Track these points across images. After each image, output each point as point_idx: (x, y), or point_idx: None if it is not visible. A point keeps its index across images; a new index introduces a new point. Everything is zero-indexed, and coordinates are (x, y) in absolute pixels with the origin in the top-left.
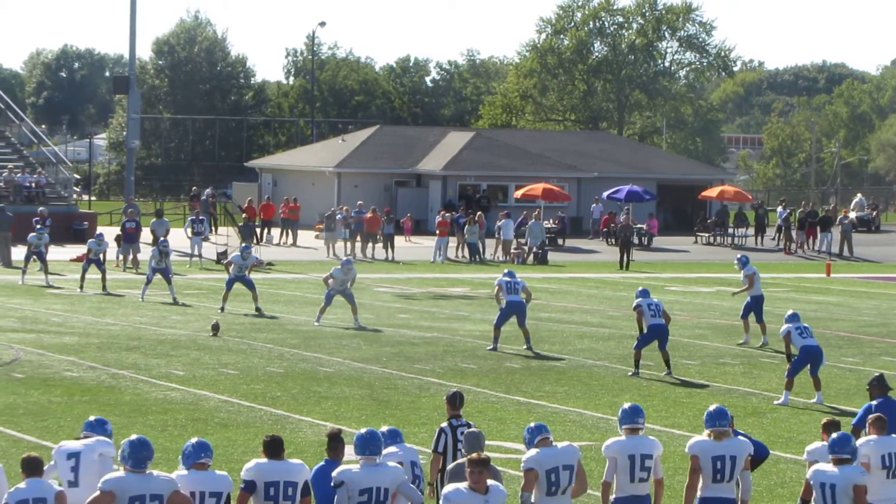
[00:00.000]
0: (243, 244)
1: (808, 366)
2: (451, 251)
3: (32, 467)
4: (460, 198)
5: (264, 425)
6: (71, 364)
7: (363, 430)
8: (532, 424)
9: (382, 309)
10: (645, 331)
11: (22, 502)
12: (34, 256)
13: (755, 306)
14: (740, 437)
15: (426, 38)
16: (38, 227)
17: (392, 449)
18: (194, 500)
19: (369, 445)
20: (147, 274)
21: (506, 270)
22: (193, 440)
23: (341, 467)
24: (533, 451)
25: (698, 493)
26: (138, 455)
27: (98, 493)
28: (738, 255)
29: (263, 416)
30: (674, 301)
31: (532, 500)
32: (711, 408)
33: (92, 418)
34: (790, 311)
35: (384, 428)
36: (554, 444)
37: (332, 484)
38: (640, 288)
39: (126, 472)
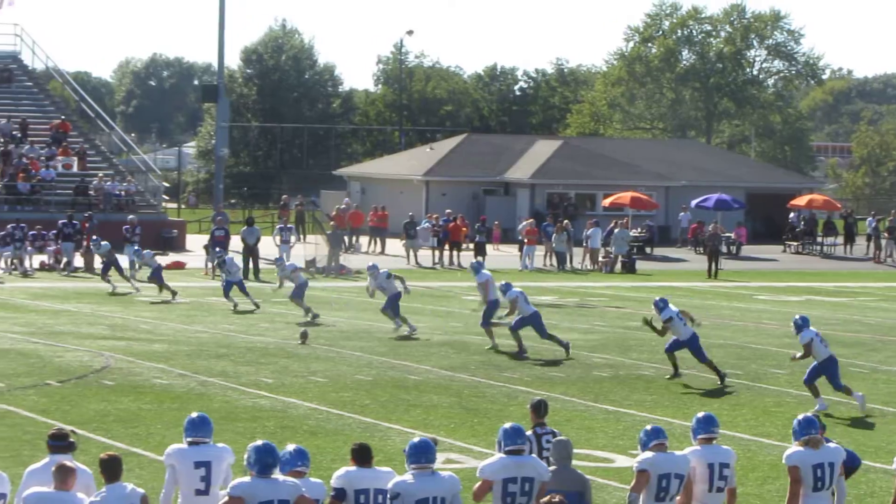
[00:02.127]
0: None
1: (828, 377)
2: (539, 260)
3: (113, 471)
4: (548, 206)
5: (353, 433)
6: (160, 371)
7: (416, 440)
8: (649, 427)
9: (470, 317)
10: (680, 338)
11: None
12: (113, 266)
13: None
14: (832, 444)
15: (514, 46)
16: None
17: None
18: None
19: (424, 454)
20: (223, 286)
21: (503, 283)
22: (291, 447)
23: (396, 478)
24: (649, 454)
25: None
26: (265, 461)
27: (227, 498)
28: (471, 261)
29: (352, 424)
30: (763, 310)
31: None
32: (800, 417)
33: (195, 415)
34: (799, 315)
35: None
36: (670, 451)
37: (388, 496)
38: (660, 297)
39: (252, 477)
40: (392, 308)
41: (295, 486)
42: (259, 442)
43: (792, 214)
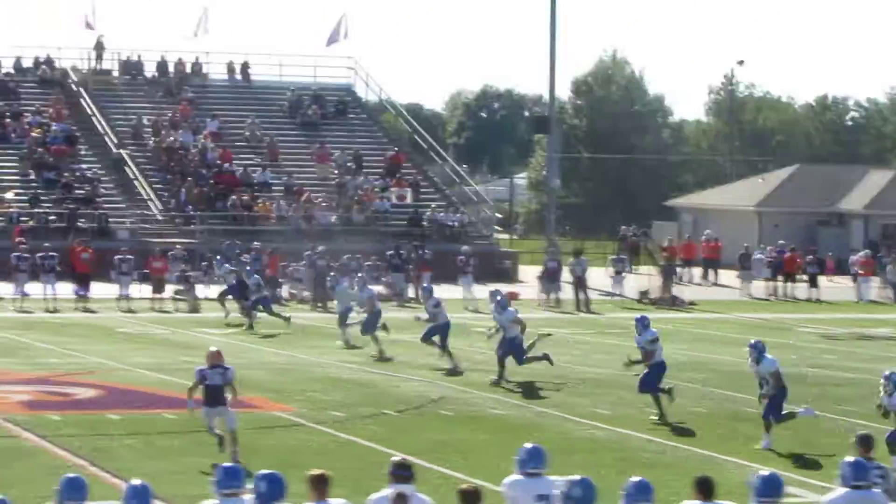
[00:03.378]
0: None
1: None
2: (875, 292)
3: (322, 488)
4: (883, 237)
5: (690, 466)
6: (496, 402)
7: (766, 473)
8: None
9: (806, 349)
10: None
11: None
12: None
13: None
14: None
15: (846, 75)
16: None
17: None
18: None
19: (774, 489)
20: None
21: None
22: (635, 479)
23: None
24: None
25: None
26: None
27: None
28: (424, 285)
29: (689, 457)
30: None
31: None
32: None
33: (529, 445)
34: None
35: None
36: None
37: None
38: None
39: None
40: (443, 335)
41: None
42: (576, 476)
43: None
